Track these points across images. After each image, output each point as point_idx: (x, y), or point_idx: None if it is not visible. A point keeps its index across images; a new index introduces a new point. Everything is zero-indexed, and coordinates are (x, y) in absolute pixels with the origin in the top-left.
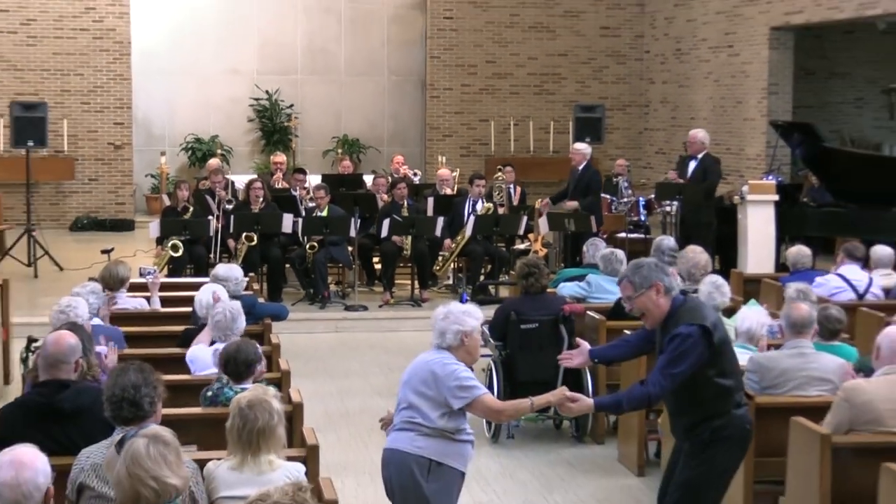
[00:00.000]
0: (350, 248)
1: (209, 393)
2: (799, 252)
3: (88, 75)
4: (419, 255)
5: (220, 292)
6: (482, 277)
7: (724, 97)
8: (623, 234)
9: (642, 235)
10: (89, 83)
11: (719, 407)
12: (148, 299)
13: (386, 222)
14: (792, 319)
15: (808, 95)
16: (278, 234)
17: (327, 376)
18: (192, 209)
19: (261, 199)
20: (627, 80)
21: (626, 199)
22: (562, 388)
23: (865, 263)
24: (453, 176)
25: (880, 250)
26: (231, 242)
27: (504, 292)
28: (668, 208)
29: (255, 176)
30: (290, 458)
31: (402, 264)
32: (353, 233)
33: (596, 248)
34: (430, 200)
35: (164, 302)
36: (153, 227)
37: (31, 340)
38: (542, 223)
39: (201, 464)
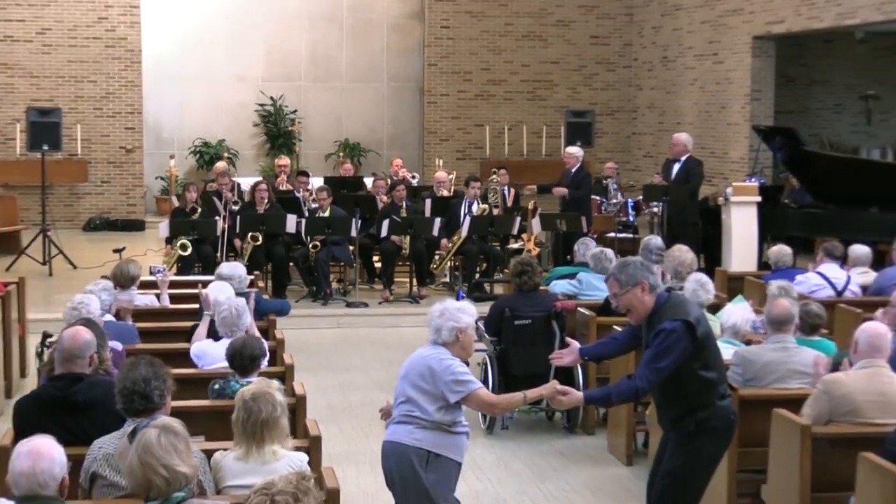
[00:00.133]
0: (351, 248)
1: (216, 386)
2: (780, 251)
3: (101, 82)
4: (417, 254)
5: (227, 290)
6: (478, 275)
7: (708, 103)
8: (612, 234)
9: (631, 235)
10: (102, 89)
11: (704, 399)
12: (158, 296)
13: (385, 223)
14: (773, 316)
15: (789, 101)
16: (282, 234)
17: (329, 370)
18: (199, 210)
19: (266, 201)
20: (616, 87)
21: (615, 201)
22: (553, 382)
23: (844, 262)
24: (450, 178)
25: (858, 249)
26: (237, 242)
27: (499, 290)
28: (655, 209)
29: (260, 178)
30: (293, 449)
31: (401, 263)
32: (354, 233)
33: (586, 248)
34: (428, 202)
35: (173, 299)
36: (163, 227)
37: (45, 336)
38: (535, 223)
39: (209, 454)
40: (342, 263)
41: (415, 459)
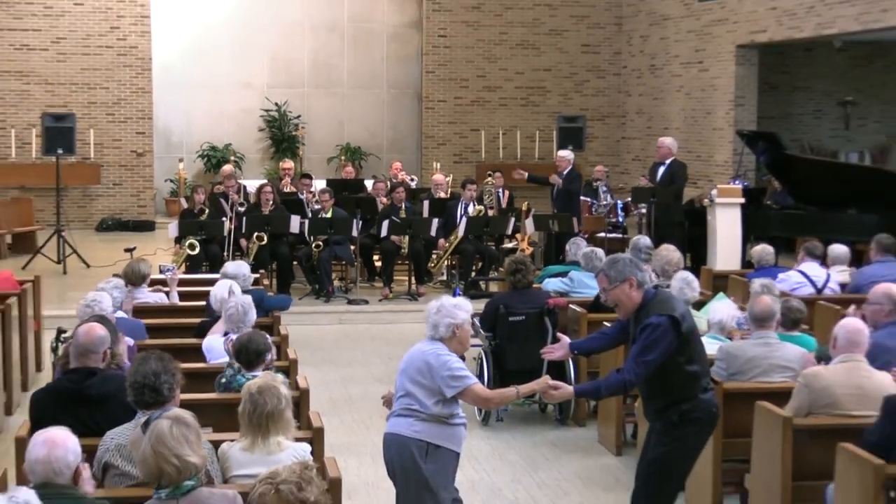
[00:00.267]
0: (352, 247)
1: (223, 380)
2: (763, 250)
3: (113, 89)
4: (416, 253)
5: (234, 288)
6: (473, 274)
7: (694, 109)
8: (602, 234)
9: (620, 235)
10: (114, 96)
11: (687, 391)
12: (167, 294)
13: (385, 223)
14: (755, 312)
15: (771, 107)
16: (286, 234)
17: (331, 365)
18: (207, 211)
19: (270, 202)
20: (606, 93)
21: (605, 202)
22: (545, 377)
23: (823, 261)
24: (447, 181)
25: (837, 249)
26: (243, 242)
27: (493, 287)
28: (643, 210)
29: (265, 181)
30: (297, 440)
31: (400, 262)
32: (355, 233)
33: (577, 247)
34: (426, 203)
35: (182, 296)
36: (172, 227)
37: (60, 331)
38: (529, 224)
39: (216, 445)
40: (344, 262)
41: (415, 451)
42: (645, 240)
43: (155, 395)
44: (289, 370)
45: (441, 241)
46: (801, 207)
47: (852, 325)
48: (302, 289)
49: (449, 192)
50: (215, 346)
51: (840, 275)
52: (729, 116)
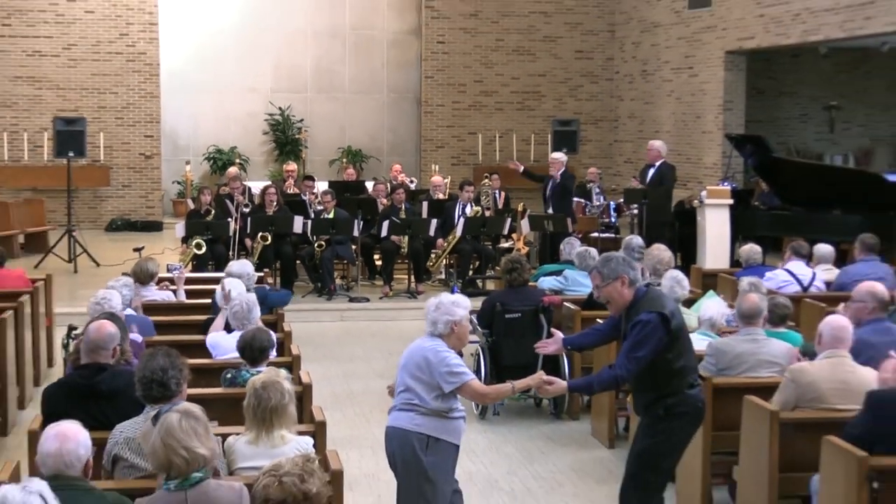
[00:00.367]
0: (353, 247)
1: (228, 375)
2: (751, 249)
3: (122, 93)
4: (415, 252)
5: (239, 287)
6: (471, 272)
7: (684, 113)
8: (596, 234)
9: (613, 235)
10: (123, 100)
11: (674, 387)
12: (174, 292)
13: (385, 223)
14: (743, 310)
15: (758, 111)
16: (290, 234)
17: (333, 360)
18: (213, 212)
19: (274, 203)
20: (599, 98)
21: (598, 203)
22: (539, 372)
23: (809, 260)
24: (445, 182)
25: (822, 248)
26: (248, 241)
27: (490, 285)
28: (635, 211)
29: (269, 182)
30: (300, 433)
31: (399, 261)
32: (356, 233)
33: (572, 247)
34: (425, 204)
35: (189, 294)
36: (179, 227)
37: (71, 328)
38: (524, 224)
39: (222, 438)
40: (345, 261)
41: (416, 443)
42: (637, 239)
43: (162, 389)
44: (292, 366)
45: (439, 240)
46: (788, 208)
47: (837, 322)
48: (305, 287)
49: (447, 193)
50: (220, 342)
51: (825, 273)
52: (718, 120)
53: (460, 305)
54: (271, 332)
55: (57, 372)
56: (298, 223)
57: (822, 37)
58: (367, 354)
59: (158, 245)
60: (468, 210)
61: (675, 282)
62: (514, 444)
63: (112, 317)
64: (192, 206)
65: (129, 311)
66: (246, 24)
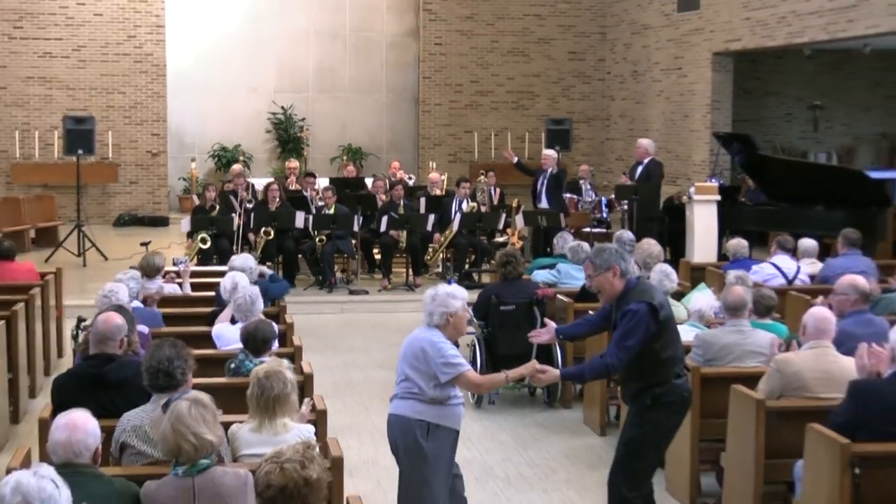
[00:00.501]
0: (353, 241)
1: (232, 365)
2: (738, 244)
3: (130, 93)
4: (413, 247)
5: (243, 280)
6: (467, 266)
7: (673, 112)
8: (588, 229)
9: (604, 230)
10: (130, 100)
11: (661, 376)
12: (180, 285)
13: (384, 219)
14: (728, 302)
15: (745, 111)
16: (292, 229)
17: (334, 351)
18: (217, 208)
19: (277, 199)
20: (591, 98)
21: (590, 199)
22: (532, 361)
23: (794, 253)
24: (442, 179)
25: (806, 242)
26: (251, 236)
27: (486, 279)
28: (625, 206)
29: (272, 179)
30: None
31: (398, 255)
32: (356, 228)
33: (564, 241)
34: (423, 200)
35: (194, 287)
36: (184, 223)
37: (80, 320)
38: (519, 219)
39: (226, 426)
40: (345, 255)
41: (417, 430)
42: (628, 234)
43: (169, 379)
44: (294, 356)
45: (437, 235)
46: (773, 204)
47: (820, 313)
48: (306, 280)
49: (444, 189)
50: (225, 333)
51: (809, 267)
52: (706, 119)
53: (456, 297)
54: (273, 324)
55: (67, 362)
56: (300, 218)
57: (806, 39)
58: (367, 345)
59: (165, 239)
60: (464, 206)
61: (663, 275)
62: (508, 431)
63: (119, 308)
64: (197, 201)
65: (137, 304)
66: (250, 27)
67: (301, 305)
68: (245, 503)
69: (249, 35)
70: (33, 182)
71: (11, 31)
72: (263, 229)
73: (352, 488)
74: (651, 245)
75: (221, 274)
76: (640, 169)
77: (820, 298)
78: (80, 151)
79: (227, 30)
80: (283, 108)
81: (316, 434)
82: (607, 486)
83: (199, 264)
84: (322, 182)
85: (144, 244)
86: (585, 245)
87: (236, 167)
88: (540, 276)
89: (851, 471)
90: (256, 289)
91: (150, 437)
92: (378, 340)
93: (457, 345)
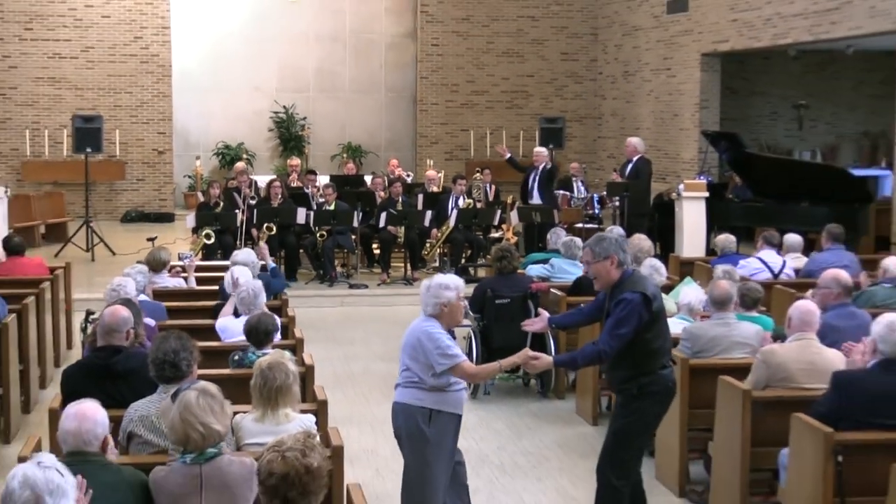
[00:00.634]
0: (353, 237)
1: (236, 357)
2: (726, 239)
3: (136, 93)
4: (411, 242)
5: (246, 273)
6: (463, 260)
7: (663, 111)
8: (580, 225)
9: (596, 226)
10: (137, 99)
11: (649, 366)
12: (185, 279)
13: (383, 215)
14: (714, 296)
15: (732, 110)
16: (294, 225)
17: (334, 343)
18: (221, 204)
19: (279, 196)
20: (583, 97)
21: (582, 196)
22: (525, 349)
23: (780, 248)
24: (439, 176)
25: (792, 238)
26: (254, 232)
27: (481, 273)
28: (617, 203)
29: (274, 176)
30: (303, 412)
31: (396, 250)
32: (355, 223)
33: (558, 237)
34: (420, 197)
35: (199, 281)
36: (189, 219)
37: (89, 313)
38: (513, 215)
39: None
40: (345, 250)
41: (419, 417)
42: (618, 230)
43: (174, 370)
44: (296, 348)
45: (434, 230)
46: (760, 200)
47: (805, 306)
48: (307, 274)
49: (441, 186)
50: (228, 326)
51: (794, 261)
52: (694, 118)
53: (448, 287)
54: (276, 317)
55: (76, 354)
56: (302, 214)
57: (791, 40)
58: (366, 338)
59: (170, 235)
60: (461, 202)
61: (653, 269)
62: (503, 421)
63: (126, 302)
64: (201, 198)
65: (144, 297)
66: (253, 29)
67: (302, 299)
68: (250, 491)
69: (253, 37)
70: (43, 179)
71: (22, 33)
72: (266, 225)
73: (352, 476)
74: (642, 240)
75: (225, 268)
76: (629, 167)
77: (809, 292)
78: (89, 150)
79: (231, 31)
80: (285, 107)
81: (317, 424)
82: (596, 475)
83: (203, 259)
84: (323, 179)
85: (151, 239)
86: (578, 240)
87: (240, 165)
88: (534, 270)
89: (834, 458)
90: (259, 283)
91: (156, 426)
92: (377, 333)
93: (453, 335)
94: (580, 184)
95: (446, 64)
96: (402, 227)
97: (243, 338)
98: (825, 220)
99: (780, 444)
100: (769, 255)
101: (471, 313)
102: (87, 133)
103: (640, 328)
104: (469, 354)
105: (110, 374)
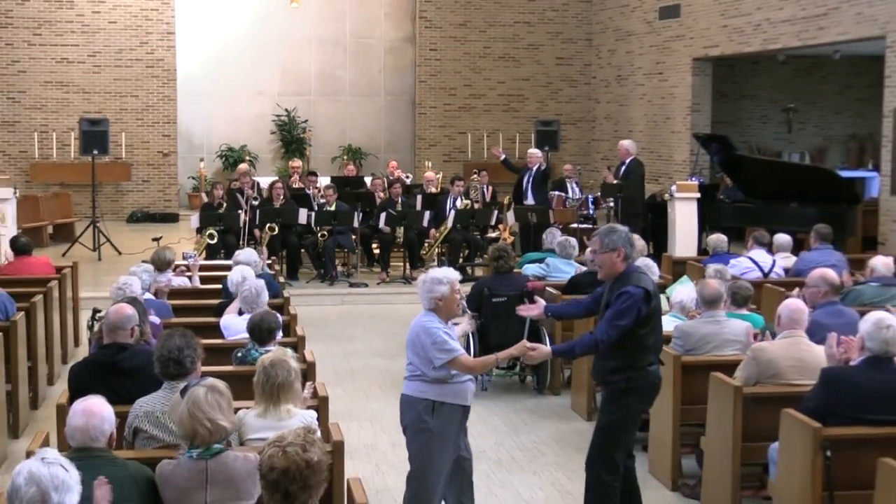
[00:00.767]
0: (353, 237)
1: (239, 354)
2: (717, 239)
3: (142, 96)
4: (410, 242)
5: (249, 273)
6: (461, 260)
7: (655, 114)
8: (575, 225)
9: (590, 226)
10: (143, 103)
11: (638, 361)
12: (190, 278)
13: (383, 215)
14: (705, 295)
15: (723, 113)
16: (295, 225)
17: (335, 340)
18: (225, 205)
19: (281, 197)
20: (578, 101)
21: (576, 197)
22: (523, 341)
23: (770, 248)
24: (437, 178)
25: (781, 237)
26: (257, 232)
27: (479, 272)
28: (611, 203)
29: (276, 178)
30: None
31: (395, 249)
32: (356, 224)
33: (553, 236)
34: (419, 198)
35: (202, 280)
36: (194, 219)
37: (95, 311)
38: (510, 216)
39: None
40: (346, 250)
41: (422, 409)
42: (624, 228)
43: (179, 367)
44: (297, 345)
45: (432, 231)
46: (750, 201)
47: (794, 304)
48: (309, 273)
49: (439, 187)
50: (232, 324)
51: (784, 260)
52: (686, 121)
53: (442, 282)
54: (278, 315)
55: (83, 351)
56: (303, 215)
57: (780, 45)
58: (366, 335)
59: (175, 235)
60: (458, 203)
61: (646, 269)
62: (500, 416)
63: (132, 300)
64: (205, 199)
65: (149, 296)
66: (255, 34)
67: (304, 297)
68: (254, 486)
69: (255, 41)
70: (51, 181)
71: (31, 38)
72: (268, 225)
73: (352, 471)
74: (635, 240)
75: (228, 268)
76: (622, 168)
77: (796, 291)
78: (95, 152)
79: (234, 36)
80: (286, 110)
81: (318, 419)
82: (585, 471)
83: (207, 258)
84: (324, 180)
85: (156, 239)
86: (573, 240)
87: (242, 166)
88: (530, 269)
89: (823, 453)
90: (262, 282)
91: (161, 422)
92: (377, 330)
93: (457, 324)
94: (574, 185)
95: (444, 68)
96: (401, 228)
97: (246, 335)
98: (814, 220)
99: (771, 439)
100: (759, 254)
101: (468, 311)
102: (94, 136)
103: (638, 322)
104: (466, 352)
105: (116, 370)
